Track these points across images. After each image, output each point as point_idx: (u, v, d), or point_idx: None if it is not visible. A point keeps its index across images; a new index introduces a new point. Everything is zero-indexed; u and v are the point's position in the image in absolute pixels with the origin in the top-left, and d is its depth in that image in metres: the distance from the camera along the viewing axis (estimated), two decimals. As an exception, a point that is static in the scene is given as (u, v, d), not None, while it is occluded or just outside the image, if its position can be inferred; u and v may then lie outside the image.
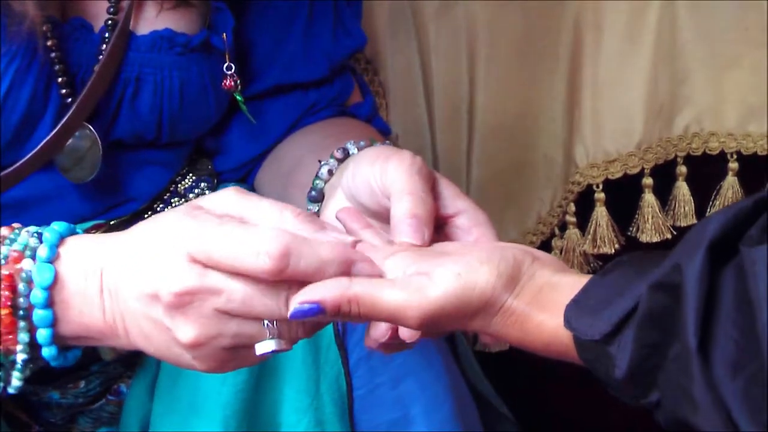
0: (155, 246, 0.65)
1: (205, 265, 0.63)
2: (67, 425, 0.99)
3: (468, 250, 0.67)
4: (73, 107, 0.89)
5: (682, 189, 1.32)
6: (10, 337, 0.68)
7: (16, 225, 0.71)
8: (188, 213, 0.65)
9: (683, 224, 1.31)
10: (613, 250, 1.33)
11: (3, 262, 0.68)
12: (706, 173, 1.31)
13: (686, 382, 0.56)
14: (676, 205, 1.32)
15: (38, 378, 0.78)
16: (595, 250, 1.34)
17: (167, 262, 0.64)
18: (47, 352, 0.69)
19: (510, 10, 1.33)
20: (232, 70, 0.96)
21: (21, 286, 0.68)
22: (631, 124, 1.30)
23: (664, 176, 1.32)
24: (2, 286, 0.67)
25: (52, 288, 0.68)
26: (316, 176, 0.86)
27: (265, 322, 0.65)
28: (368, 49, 1.37)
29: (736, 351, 0.54)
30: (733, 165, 1.30)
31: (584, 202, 1.35)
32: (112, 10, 0.92)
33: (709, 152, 1.31)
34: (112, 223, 0.97)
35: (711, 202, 1.31)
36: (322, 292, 0.63)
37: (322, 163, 0.86)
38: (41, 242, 0.69)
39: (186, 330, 0.64)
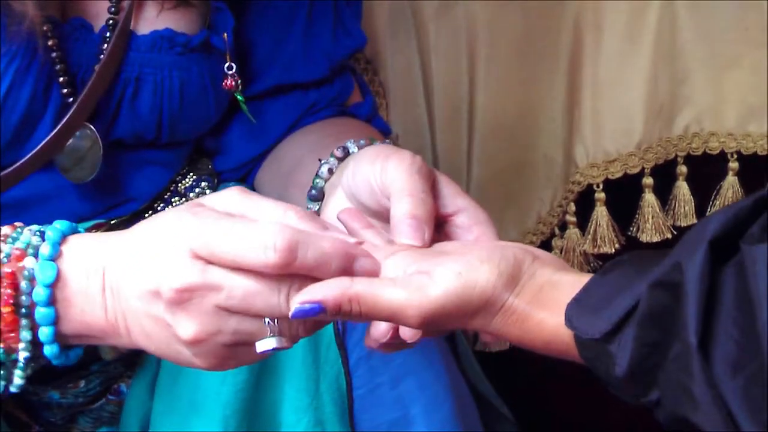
0: (157, 244, 0.65)
1: (208, 261, 0.63)
2: (67, 425, 0.99)
3: (468, 249, 0.67)
4: (74, 107, 0.89)
5: (683, 189, 1.32)
6: (12, 335, 0.68)
7: (18, 224, 0.71)
8: (190, 210, 0.65)
9: (683, 224, 1.31)
10: (614, 250, 1.33)
11: (5, 260, 0.68)
12: (706, 173, 1.31)
13: (686, 381, 0.56)
14: (677, 204, 1.32)
15: (38, 378, 0.78)
16: (596, 250, 1.34)
17: (169, 259, 0.64)
18: (49, 350, 0.69)
19: (510, 10, 1.33)
20: (233, 70, 0.96)
21: (23, 284, 0.68)
22: (631, 124, 1.30)
23: (664, 176, 1.32)
24: (4, 283, 0.67)
25: (54, 286, 0.68)
26: (317, 175, 0.86)
27: (266, 319, 0.65)
28: (368, 49, 1.37)
29: (736, 349, 0.54)
30: (733, 165, 1.30)
31: (584, 202, 1.35)
32: (113, 10, 0.92)
33: (709, 152, 1.31)
34: (112, 222, 0.97)
35: (711, 202, 1.31)
36: (323, 291, 0.63)
37: (323, 162, 0.86)
38: (44, 240, 0.69)
39: (187, 326, 0.64)
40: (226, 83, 0.96)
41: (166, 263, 0.64)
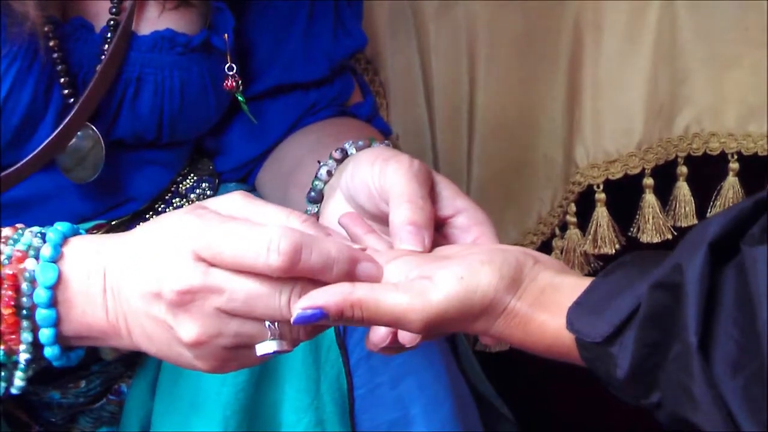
0: (158, 245, 0.65)
1: (210, 263, 0.63)
2: (68, 425, 0.99)
3: (470, 253, 0.67)
4: (75, 107, 0.89)
5: (683, 189, 1.32)
6: (13, 336, 0.68)
7: (19, 225, 0.71)
8: (192, 212, 0.65)
9: (684, 224, 1.31)
10: (614, 251, 1.33)
11: (6, 261, 0.68)
12: (707, 173, 1.31)
13: (687, 381, 0.56)
14: (677, 205, 1.32)
15: (39, 378, 0.78)
16: (596, 251, 1.34)
17: (170, 260, 0.64)
18: (50, 351, 0.69)
19: (510, 10, 1.33)
20: (234, 71, 0.96)
21: (24, 286, 0.68)
22: (632, 124, 1.30)
23: (664, 176, 1.32)
24: (5, 285, 0.67)
25: (55, 287, 0.68)
26: (315, 177, 0.86)
27: (267, 322, 0.65)
28: (368, 49, 1.37)
29: (736, 350, 0.54)
30: (734, 165, 1.30)
31: (585, 202, 1.35)
32: (114, 10, 0.92)
33: (709, 152, 1.31)
34: (113, 223, 0.97)
35: (711, 203, 1.31)
36: (325, 297, 0.63)
37: (321, 164, 0.86)
38: (45, 242, 0.69)
39: (188, 328, 0.64)
40: (226, 84, 0.96)
41: (168, 264, 0.64)
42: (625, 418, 1.31)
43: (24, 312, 0.68)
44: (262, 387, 0.89)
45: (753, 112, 1.28)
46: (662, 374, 0.58)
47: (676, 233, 1.32)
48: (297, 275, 0.63)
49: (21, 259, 0.68)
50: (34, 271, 0.68)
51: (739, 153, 1.30)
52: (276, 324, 0.65)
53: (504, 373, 1.21)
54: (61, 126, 0.89)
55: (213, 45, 0.95)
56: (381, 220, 0.77)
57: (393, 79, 1.39)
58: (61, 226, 0.70)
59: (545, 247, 1.39)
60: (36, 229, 0.70)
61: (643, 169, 1.31)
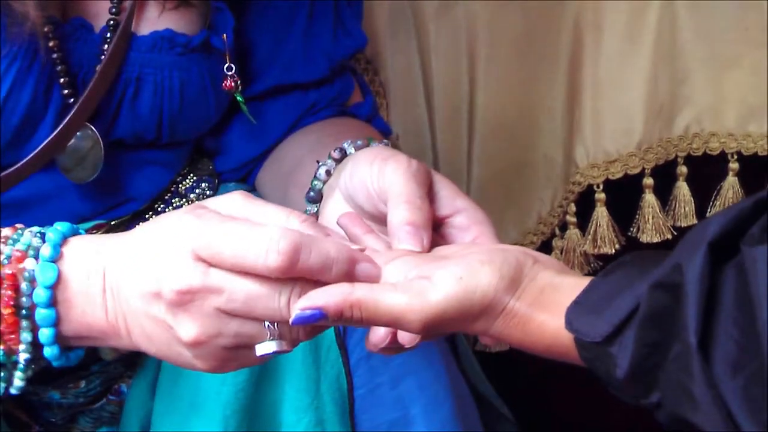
0: (158, 244, 0.65)
1: (209, 263, 0.63)
2: (68, 425, 0.99)
3: (469, 253, 0.67)
4: (75, 107, 0.89)
5: (683, 189, 1.32)
6: (13, 336, 0.68)
7: (19, 225, 0.71)
8: (192, 212, 0.65)
9: (684, 224, 1.31)
10: (614, 251, 1.33)
11: (6, 261, 0.68)
12: (707, 173, 1.31)
13: (687, 381, 0.56)
14: (677, 205, 1.32)
15: (39, 378, 0.78)
16: (596, 251, 1.34)
17: (170, 260, 0.64)
18: (49, 351, 0.69)
19: (510, 10, 1.33)
20: (233, 71, 0.96)
21: (24, 286, 0.68)
22: (631, 124, 1.30)
23: (664, 176, 1.32)
24: (5, 285, 0.67)
25: (55, 287, 0.68)
26: (314, 177, 0.86)
27: (266, 323, 0.65)
28: (368, 49, 1.37)
29: (736, 350, 0.54)
30: (734, 165, 1.30)
31: (585, 202, 1.35)
32: (114, 10, 0.92)
33: (709, 152, 1.31)
34: (113, 223, 0.97)
35: (711, 203, 1.31)
36: (324, 297, 0.63)
37: (320, 163, 0.86)
38: (44, 242, 0.69)
39: (188, 328, 0.64)
40: (225, 84, 0.96)
41: (168, 264, 0.64)
42: (625, 418, 1.31)
43: (23, 312, 0.68)
44: (262, 387, 0.89)
45: (753, 112, 1.28)
46: (662, 374, 0.58)
47: (676, 233, 1.32)
48: (296, 275, 0.63)
49: (20, 259, 0.68)
50: (33, 270, 0.68)
51: (739, 153, 1.30)
52: (275, 324, 0.65)
53: (504, 373, 1.21)
54: (61, 126, 0.89)
55: (213, 45, 0.95)
56: (380, 220, 0.77)
57: (393, 79, 1.39)
58: (60, 226, 0.70)
59: (545, 247, 1.39)
60: (36, 229, 0.70)
61: (643, 169, 1.31)
